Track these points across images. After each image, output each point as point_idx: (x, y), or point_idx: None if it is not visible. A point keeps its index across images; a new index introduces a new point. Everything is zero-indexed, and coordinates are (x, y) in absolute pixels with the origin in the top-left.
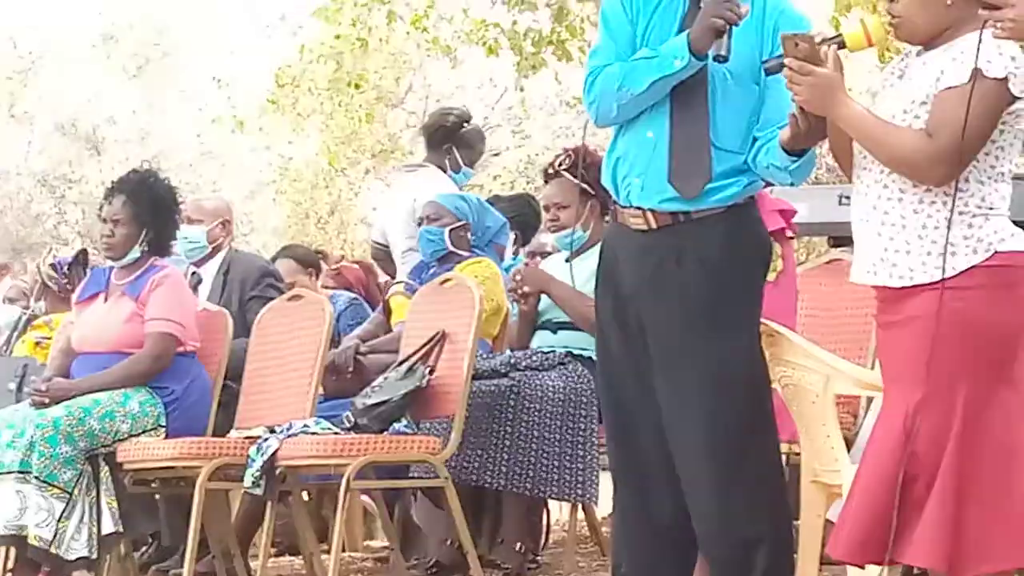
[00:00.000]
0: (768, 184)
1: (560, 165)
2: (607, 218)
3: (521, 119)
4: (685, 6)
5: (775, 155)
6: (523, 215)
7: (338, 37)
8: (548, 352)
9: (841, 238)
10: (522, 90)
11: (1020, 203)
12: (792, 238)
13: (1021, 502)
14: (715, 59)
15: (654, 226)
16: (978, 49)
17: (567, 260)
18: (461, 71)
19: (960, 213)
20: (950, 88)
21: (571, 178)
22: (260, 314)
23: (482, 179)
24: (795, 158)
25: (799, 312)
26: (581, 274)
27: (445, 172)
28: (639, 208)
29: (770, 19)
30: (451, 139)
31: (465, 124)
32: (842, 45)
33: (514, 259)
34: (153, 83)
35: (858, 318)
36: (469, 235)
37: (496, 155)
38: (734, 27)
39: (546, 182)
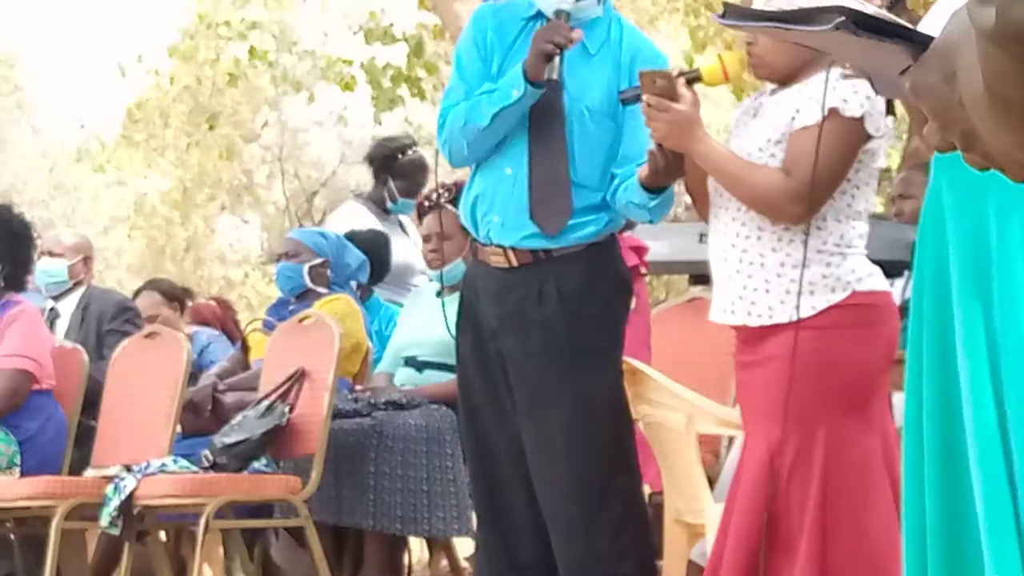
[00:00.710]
0: (627, 222)
1: (440, 197)
2: None
3: None
4: None
5: (634, 192)
6: (377, 252)
7: (200, 82)
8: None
9: (701, 276)
10: (380, 124)
11: (878, 243)
12: (645, 275)
13: (876, 542)
14: (547, 83)
15: (515, 264)
16: (825, 86)
17: (438, 294)
18: (317, 106)
19: (818, 252)
20: (806, 127)
21: (455, 210)
22: (116, 351)
23: None
24: (654, 195)
25: (661, 351)
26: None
27: (385, 203)
28: (499, 246)
29: (627, 55)
30: (388, 169)
31: (401, 154)
32: (699, 79)
33: (365, 299)
34: (4, 117)
35: (720, 356)
36: (328, 272)
37: (354, 190)
38: (565, 51)
39: (421, 215)
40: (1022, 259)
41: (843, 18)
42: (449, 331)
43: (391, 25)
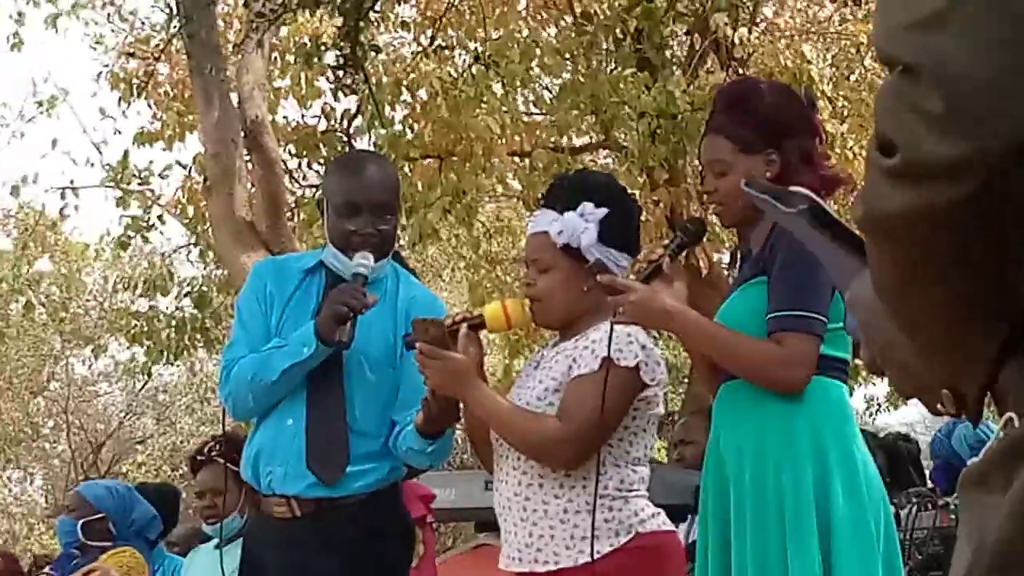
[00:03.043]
0: (411, 470)
1: (212, 451)
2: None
3: (166, 406)
4: (319, 296)
5: (412, 439)
6: (165, 505)
7: None
8: None
9: (487, 523)
10: (149, 375)
11: (661, 487)
12: (432, 523)
13: None
14: (336, 345)
15: (298, 514)
16: (610, 338)
17: (216, 547)
18: (104, 357)
19: (600, 497)
20: (582, 376)
21: (226, 464)
22: None
23: (126, 466)
24: (431, 441)
25: None
26: (233, 562)
27: None
28: (283, 496)
29: (402, 304)
30: None
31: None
32: (482, 325)
33: (152, 548)
34: None
35: None
36: (109, 526)
37: (140, 442)
38: (359, 315)
39: (194, 470)
40: (808, 506)
41: (805, 206)
42: None
43: (172, 275)
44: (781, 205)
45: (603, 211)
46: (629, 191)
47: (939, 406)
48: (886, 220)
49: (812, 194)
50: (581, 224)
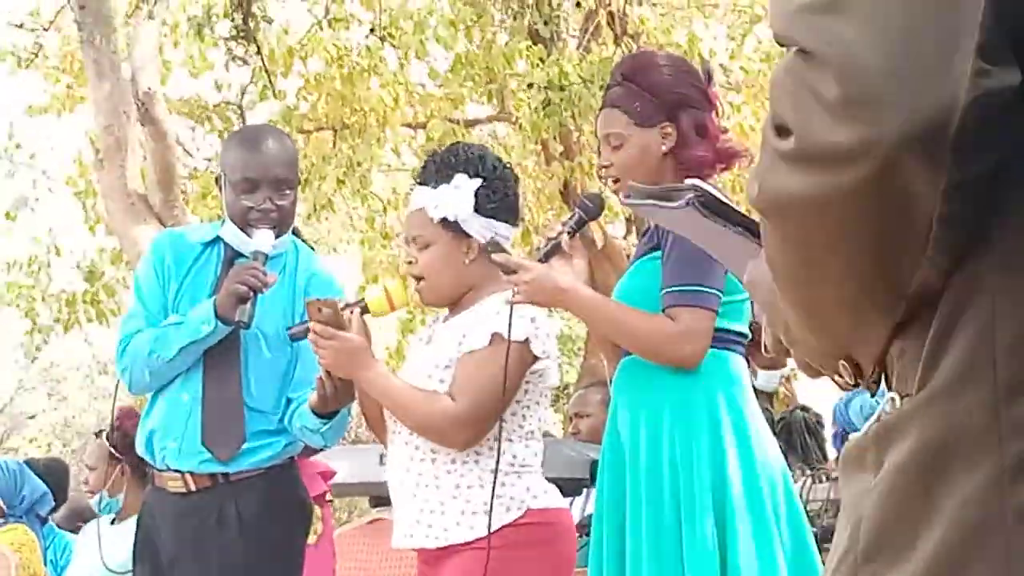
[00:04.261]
0: (309, 448)
1: (106, 428)
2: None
3: (58, 380)
4: (217, 271)
5: (306, 418)
6: (55, 479)
7: None
8: None
9: (382, 498)
10: (38, 349)
11: (557, 461)
12: (331, 500)
13: None
14: (236, 324)
15: (193, 488)
16: (510, 318)
17: (112, 523)
18: None
19: (492, 472)
20: (472, 351)
21: (103, 441)
22: None
23: (16, 441)
24: (326, 420)
25: (344, 573)
26: (122, 543)
27: None
28: (177, 471)
29: (302, 279)
30: None
31: None
32: (366, 310)
33: (43, 525)
34: None
35: None
36: (0, 503)
37: (32, 417)
38: (259, 294)
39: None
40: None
41: (691, 195)
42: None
43: (59, 251)
44: (667, 203)
45: (477, 182)
46: (509, 161)
47: (837, 377)
48: (780, 200)
49: (699, 182)
50: (455, 195)
